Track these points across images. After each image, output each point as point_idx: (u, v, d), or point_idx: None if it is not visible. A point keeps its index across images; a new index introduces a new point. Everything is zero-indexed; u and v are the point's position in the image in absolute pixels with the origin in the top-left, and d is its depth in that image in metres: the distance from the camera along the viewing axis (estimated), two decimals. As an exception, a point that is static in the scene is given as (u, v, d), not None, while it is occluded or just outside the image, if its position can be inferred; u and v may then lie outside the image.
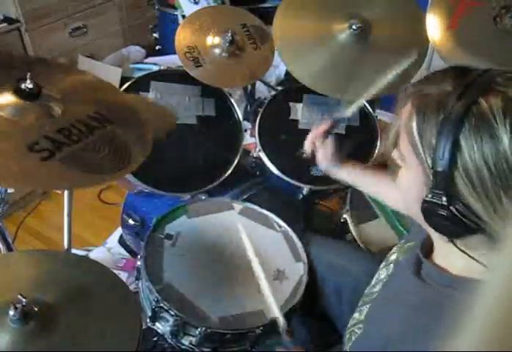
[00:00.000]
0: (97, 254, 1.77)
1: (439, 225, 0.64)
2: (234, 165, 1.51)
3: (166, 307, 1.02)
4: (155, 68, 1.89)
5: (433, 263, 0.72)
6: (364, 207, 1.49)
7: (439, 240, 0.71)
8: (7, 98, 0.86)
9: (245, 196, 1.55)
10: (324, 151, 1.13)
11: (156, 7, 2.53)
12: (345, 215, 1.47)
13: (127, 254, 1.75)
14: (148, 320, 1.08)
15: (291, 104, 1.60)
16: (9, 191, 1.18)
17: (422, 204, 0.64)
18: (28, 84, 0.86)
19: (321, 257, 1.18)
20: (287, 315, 1.04)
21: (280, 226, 1.26)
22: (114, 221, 1.71)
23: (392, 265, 0.87)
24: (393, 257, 0.88)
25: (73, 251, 1.26)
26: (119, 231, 1.77)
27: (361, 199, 1.50)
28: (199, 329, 1.01)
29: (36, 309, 0.80)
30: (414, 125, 0.62)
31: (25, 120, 0.85)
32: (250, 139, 1.75)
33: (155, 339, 1.16)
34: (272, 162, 1.48)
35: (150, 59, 2.57)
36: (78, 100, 0.97)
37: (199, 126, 1.52)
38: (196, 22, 1.50)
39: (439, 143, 0.59)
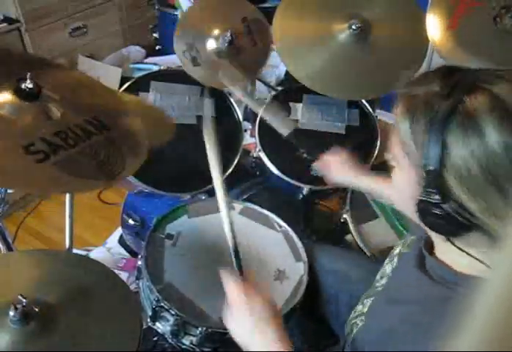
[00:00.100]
0: (97, 254, 1.77)
1: (435, 224, 0.65)
2: (234, 165, 1.51)
3: (166, 307, 1.02)
4: (155, 68, 1.89)
5: (437, 259, 0.73)
6: (364, 207, 1.49)
7: (437, 239, 0.72)
8: (6, 97, 0.86)
9: (245, 196, 1.55)
10: (341, 166, 1.16)
11: (156, 7, 2.53)
12: (345, 215, 1.47)
13: (127, 254, 1.75)
14: (149, 320, 1.08)
15: (291, 104, 1.60)
16: (9, 191, 1.18)
17: (417, 204, 0.65)
18: (28, 84, 0.86)
19: (323, 263, 1.18)
20: (288, 315, 1.04)
21: (280, 226, 1.26)
22: (114, 221, 1.71)
23: (395, 259, 0.87)
24: (397, 250, 0.89)
25: (73, 251, 1.26)
26: (119, 231, 1.77)
27: (361, 199, 1.50)
28: (199, 329, 1.01)
29: (36, 309, 0.80)
30: (405, 125, 0.64)
31: (22, 120, 0.84)
32: (250, 139, 1.75)
33: (155, 338, 1.16)
34: (272, 162, 1.48)
35: (150, 59, 2.56)
36: (76, 102, 0.96)
37: (199, 126, 1.52)
38: (196, 18, 1.49)
39: (428, 142, 0.60)
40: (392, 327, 0.70)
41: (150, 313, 1.07)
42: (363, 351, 0.78)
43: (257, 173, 1.63)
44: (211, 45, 1.46)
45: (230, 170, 1.51)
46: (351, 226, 1.43)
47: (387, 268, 0.89)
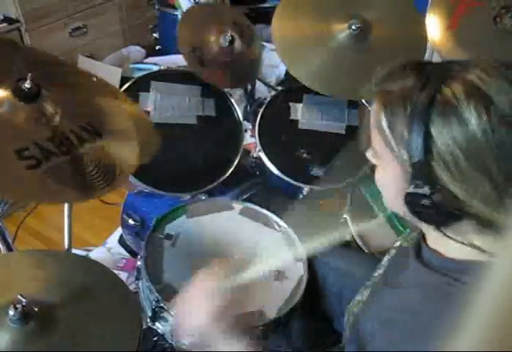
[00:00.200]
0: (97, 254, 1.77)
1: (425, 215, 0.65)
2: (234, 165, 1.51)
3: (166, 307, 1.02)
4: (155, 68, 1.89)
5: (429, 248, 0.73)
6: (364, 207, 1.49)
7: (427, 229, 0.72)
8: (4, 96, 0.85)
9: (245, 196, 1.55)
10: None
11: (156, 7, 2.54)
12: (345, 215, 1.47)
13: (127, 254, 1.75)
14: (148, 320, 1.08)
15: (291, 104, 1.60)
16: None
17: (405, 198, 0.65)
18: (27, 84, 0.85)
19: (324, 261, 1.18)
20: (288, 315, 1.04)
21: (280, 226, 1.26)
22: (114, 221, 1.71)
23: (393, 251, 0.88)
24: (396, 244, 0.90)
25: (73, 251, 1.26)
26: (119, 231, 1.77)
27: (361, 199, 1.50)
28: (199, 329, 1.01)
29: (36, 309, 0.80)
30: (384, 121, 0.65)
31: (18, 122, 0.82)
32: (250, 139, 1.75)
33: (155, 339, 1.16)
34: (272, 162, 1.48)
35: (150, 59, 2.57)
36: (74, 107, 0.94)
37: (199, 126, 1.52)
38: (195, 20, 1.49)
39: (410, 135, 0.61)
40: (392, 317, 0.71)
41: (149, 313, 1.07)
42: (362, 340, 0.78)
43: (257, 173, 1.63)
44: (213, 45, 1.47)
45: (230, 170, 1.51)
46: (351, 226, 1.43)
47: (385, 259, 0.90)
